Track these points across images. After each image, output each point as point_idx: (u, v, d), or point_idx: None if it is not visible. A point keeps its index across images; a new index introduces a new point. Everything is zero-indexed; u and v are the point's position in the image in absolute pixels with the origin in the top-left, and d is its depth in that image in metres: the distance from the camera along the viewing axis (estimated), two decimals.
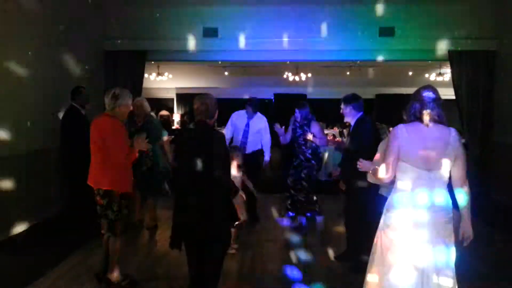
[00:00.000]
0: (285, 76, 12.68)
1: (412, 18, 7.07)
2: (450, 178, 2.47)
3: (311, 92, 13.31)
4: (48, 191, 5.36)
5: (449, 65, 7.43)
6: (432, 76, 11.71)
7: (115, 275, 3.49)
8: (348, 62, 10.62)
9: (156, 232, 5.17)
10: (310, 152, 5.27)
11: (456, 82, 7.25)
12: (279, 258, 4.35)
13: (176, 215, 2.99)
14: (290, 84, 13.09)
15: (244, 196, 4.42)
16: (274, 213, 5.88)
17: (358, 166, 3.05)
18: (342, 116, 4.14)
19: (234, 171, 4.33)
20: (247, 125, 5.57)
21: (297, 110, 5.26)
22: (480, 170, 7.06)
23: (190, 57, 7.64)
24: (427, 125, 2.44)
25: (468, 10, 6.91)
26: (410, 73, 12.16)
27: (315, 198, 5.39)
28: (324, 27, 7.11)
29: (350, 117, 4.01)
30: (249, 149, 5.55)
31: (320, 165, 5.55)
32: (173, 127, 14.05)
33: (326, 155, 6.98)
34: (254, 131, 5.56)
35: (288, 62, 10.29)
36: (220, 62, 11.04)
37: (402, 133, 2.46)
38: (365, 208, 3.56)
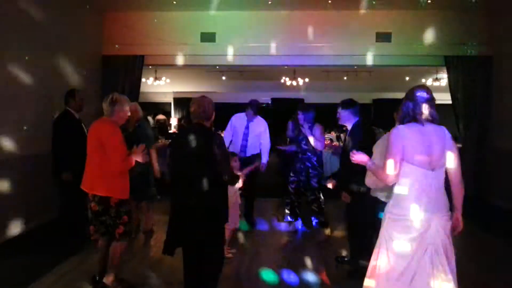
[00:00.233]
0: (282, 80, 12.69)
1: (409, 23, 7.13)
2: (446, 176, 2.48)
3: (308, 96, 13.36)
4: (44, 195, 5.33)
5: (445, 70, 7.48)
6: (429, 81, 11.75)
7: (110, 279, 3.48)
8: (345, 67, 10.67)
9: (152, 236, 5.15)
10: (316, 160, 5.26)
11: (452, 87, 7.30)
12: (276, 262, 4.33)
13: (173, 218, 2.98)
14: (287, 88, 13.11)
15: (239, 199, 4.44)
16: (272, 217, 5.87)
17: (351, 157, 2.82)
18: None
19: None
20: (247, 127, 5.55)
21: (300, 112, 5.19)
22: (476, 174, 7.10)
23: (188, 62, 7.65)
24: (423, 125, 2.44)
25: (464, 16, 6.95)
26: (407, 78, 12.19)
27: (323, 206, 5.33)
28: (321, 33, 7.17)
29: (348, 121, 4.02)
30: (249, 152, 5.53)
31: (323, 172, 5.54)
32: (170, 131, 14.03)
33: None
34: (254, 134, 5.54)
35: (285, 67, 10.32)
36: (217, 67, 11.07)
37: (405, 134, 2.43)
38: (365, 212, 3.56)
